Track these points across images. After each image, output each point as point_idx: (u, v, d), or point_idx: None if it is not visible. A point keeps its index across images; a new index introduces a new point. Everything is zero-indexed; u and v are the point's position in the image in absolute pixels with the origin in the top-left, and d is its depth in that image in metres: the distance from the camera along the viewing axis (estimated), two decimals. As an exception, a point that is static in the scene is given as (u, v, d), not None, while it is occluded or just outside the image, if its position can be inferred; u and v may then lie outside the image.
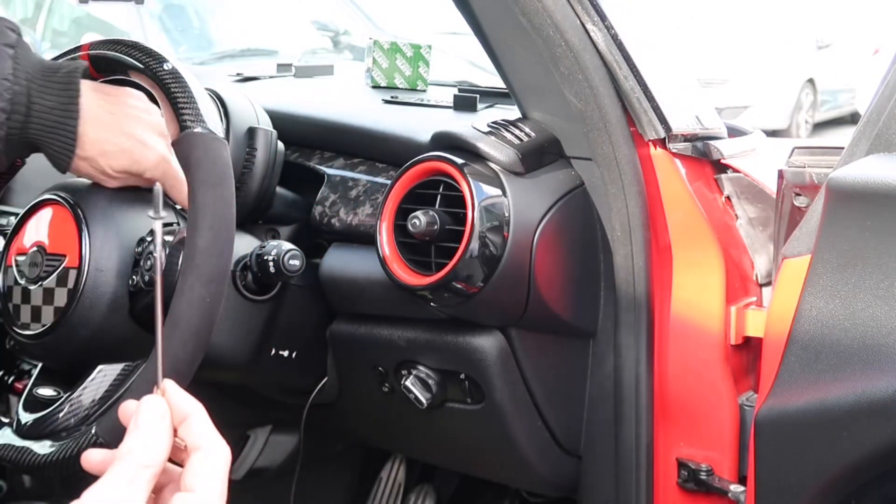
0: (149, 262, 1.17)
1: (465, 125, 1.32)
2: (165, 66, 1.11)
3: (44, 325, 1.20)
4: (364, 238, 1.41)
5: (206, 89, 1.28)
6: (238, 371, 1.40)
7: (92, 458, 0.73)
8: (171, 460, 0.70)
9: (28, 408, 1.24)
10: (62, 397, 1.19)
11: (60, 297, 1.19)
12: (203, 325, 1.00)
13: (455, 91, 1.72)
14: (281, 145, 1.45)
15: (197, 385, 1.03)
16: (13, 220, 1.35)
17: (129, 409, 0.71)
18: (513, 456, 1.41)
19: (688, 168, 1.37)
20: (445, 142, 1.32)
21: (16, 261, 1.25)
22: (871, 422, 1.09)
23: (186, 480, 0.68)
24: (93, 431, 1.07)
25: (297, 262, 1.28)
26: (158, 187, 0.74)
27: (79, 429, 1.14)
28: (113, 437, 1.05)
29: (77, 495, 0.67)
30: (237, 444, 1.90)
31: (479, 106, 1.63)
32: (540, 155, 1.31)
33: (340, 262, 1.44)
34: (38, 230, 1.25)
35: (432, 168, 1.28)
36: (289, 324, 1.41)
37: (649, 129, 1.31)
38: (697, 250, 1.33)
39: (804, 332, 1.15)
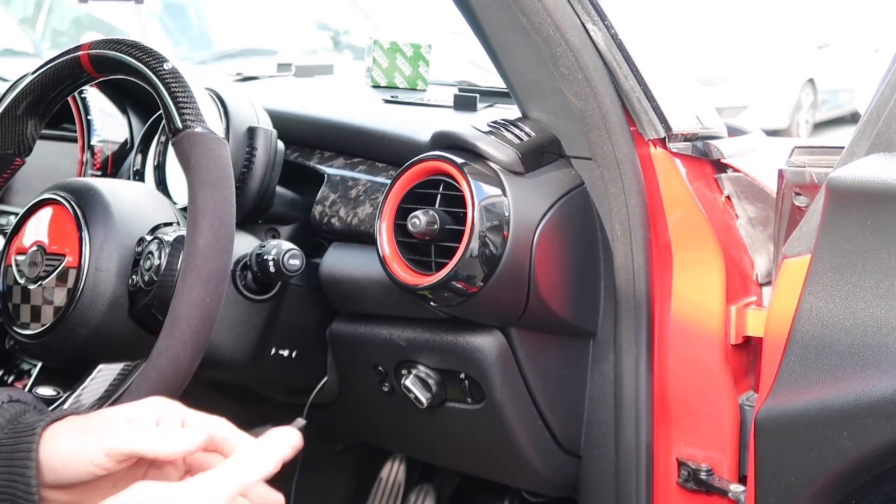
0: (148, 262, 1.17)
1: (465, 125, 1.32)
2: (165, 66, 1.11)
3: (43, 325, 1.20)
4: (364, 238, 1.41)
5: (206, 89, 1.28)
6: (238, 371, 1.40)
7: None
8: None
9: (28, 407, 1.24)
10: (62, 397, 1.19)
11: (60, 297, 1.19)
12: (203, 325, 1.00)
13: (455, 91, 1.71)
14: (281, 145, 1.45)
15: (197, 385, 1.03)
16: (13, 219, 1.35)
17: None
18: (513, 456, 1.41)
19: (688, 168, 1.37)
20: (445, 141, 1.32)
21: (15, 260, 1.25)
22: (871, 422, 1.09)
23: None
24: None
25: (296, 262, 1.28)
26: None
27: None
28: None
29: None
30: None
31: (479, 105, 1.63)
32: (540, 154, 1.31)
33: (340, 261, 1.44)
34: (37, 230, 1.25)
35: (432, 168, 1.28)
36: (289, 323, 1.41)
37: (649, 128, 1.31)
38: (697, 250, 1.33)
39: (804, 331, 1.15)
